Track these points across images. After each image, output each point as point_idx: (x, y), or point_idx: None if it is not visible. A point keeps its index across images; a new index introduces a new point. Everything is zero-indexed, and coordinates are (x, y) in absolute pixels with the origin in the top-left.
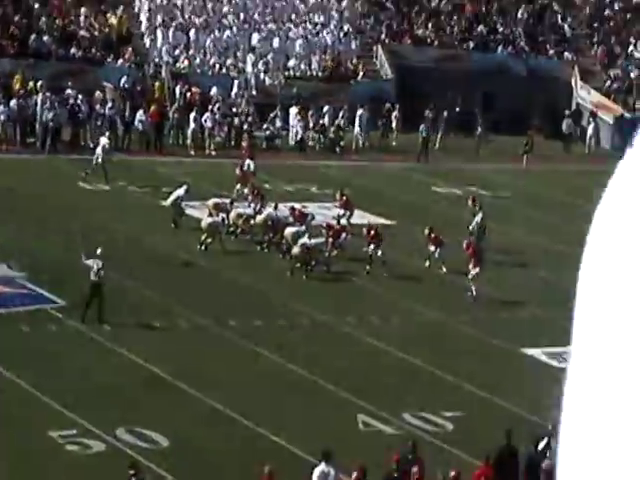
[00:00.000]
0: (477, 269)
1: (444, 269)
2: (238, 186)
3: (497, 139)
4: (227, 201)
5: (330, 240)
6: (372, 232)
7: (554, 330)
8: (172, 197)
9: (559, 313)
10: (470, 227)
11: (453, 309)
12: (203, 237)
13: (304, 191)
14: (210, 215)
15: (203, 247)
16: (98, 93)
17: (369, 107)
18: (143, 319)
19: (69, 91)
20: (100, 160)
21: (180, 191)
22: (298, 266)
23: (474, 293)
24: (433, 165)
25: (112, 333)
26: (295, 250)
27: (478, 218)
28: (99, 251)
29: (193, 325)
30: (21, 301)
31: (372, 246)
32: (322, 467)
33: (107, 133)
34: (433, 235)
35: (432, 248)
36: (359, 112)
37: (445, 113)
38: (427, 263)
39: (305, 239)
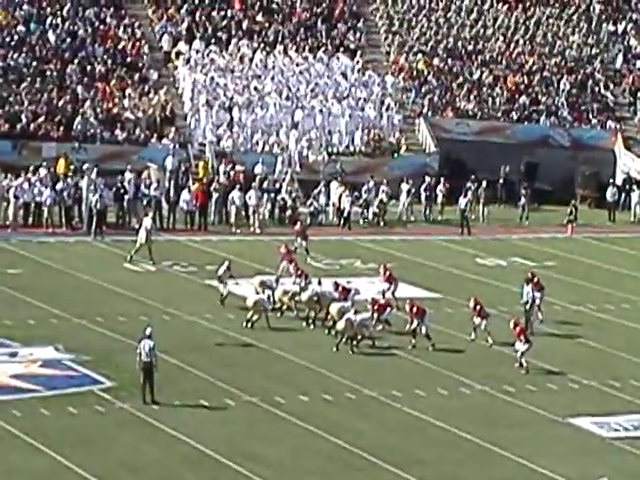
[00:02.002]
0: (527, 345)
1: (490, 340)
2: (283, 264)
3: (541, 209)
4: (272, 278)
5: (375, 315)
6: (414, 308)
7: (602, 399)
8: (219, 273)
9: (606, 382)
10: (522, 302)
11: (499, 380)
12: (249, 315)
13: (348, 266)
14: (256, 293)
15: (249, 325)
16: (145, 174)
17: (413, 181)
18: (190, 398)
19: (122, 175)
20: (144, 241)
21: (222, 268)
22: (344, 341)
23: (525, 365)
24: (477, 237)
25: (160, 413)
26: (340, 325)
27: (532, 293)
28: (149, 331)
29: (241, 403)
30: (68, 383)
31: (415, 321)
32: None
33: (150, 214)
34: (478, 307)
35: (477, 320)
36: (403, 186)
37: (486, 185)
38: (473, 335)
39: (350, 314)
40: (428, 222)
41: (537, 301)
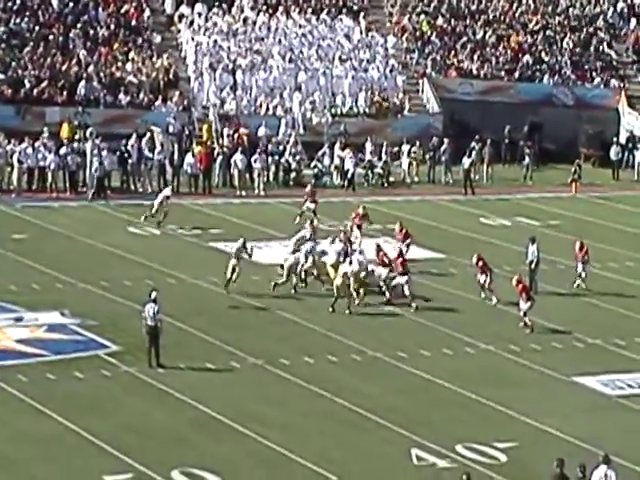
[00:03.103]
0: (529, 303)
1: (494, 299)
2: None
3: (545, 169)
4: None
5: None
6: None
7: (607, 357)
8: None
9: (611, 340)
10: (527, 261)
11: (504, 339)
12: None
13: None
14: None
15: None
16: (147, 137)
17: (419, 141)
18: (196, 361)
19: (127, 139)
20: (157, 205)
21: (237, 245)
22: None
23: (529, 323)
24: (481, 197)
25: (166, 376)
26: (338, 281)
27: (537, 252)
28: (154, 295)
29: (246, 366)
30: (74, 347)
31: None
32: None
33: (170, 186)
34: (481, 263)
35: (482, 278)
36: (404, 147)
37: (490, 144)
38: (482, 294)
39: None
40: (431, 183)
41: (486, 284)
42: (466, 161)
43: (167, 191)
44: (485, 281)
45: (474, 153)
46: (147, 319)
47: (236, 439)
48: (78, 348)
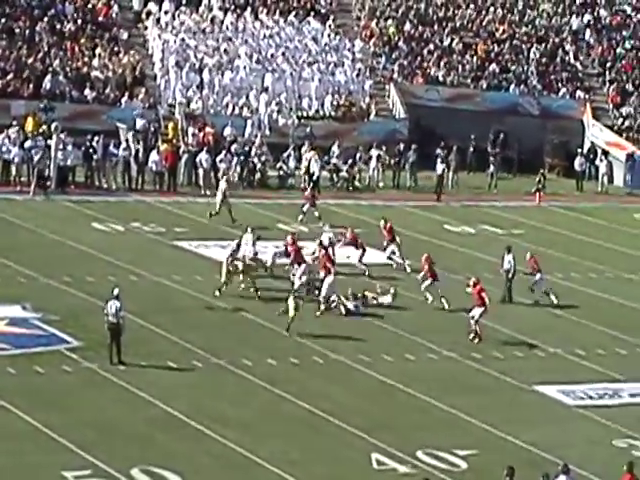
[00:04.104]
0: (481, 310)
1: (430, 298)
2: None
3: (509, 177)
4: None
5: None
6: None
7: (568, 367)
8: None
9: (572, 350)
10: (503, 270)
11: (466, 347)
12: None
13: (317, 230)
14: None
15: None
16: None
17: (384, 146)
18: (158, 359)
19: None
20: (219, 202)
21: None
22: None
23: (478, 332)
24: (446, 204)
25: (128, 373)
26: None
27: (513, 261)
28: (116, 291)
29: (208, 365)
30: (35, 342)
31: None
32: None
33: (225, 177)
34: (427, 267)
35: (427, 282)
36: (373, 152)
37: (456, 151)
38: (429, 298)
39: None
40: (396, 188)
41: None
42: (440, 167)
43: (222, 184)
44: (431, 285)
45: (446, 159)
46: (109, 316)
47: (196, 438)
48: (39, 343)
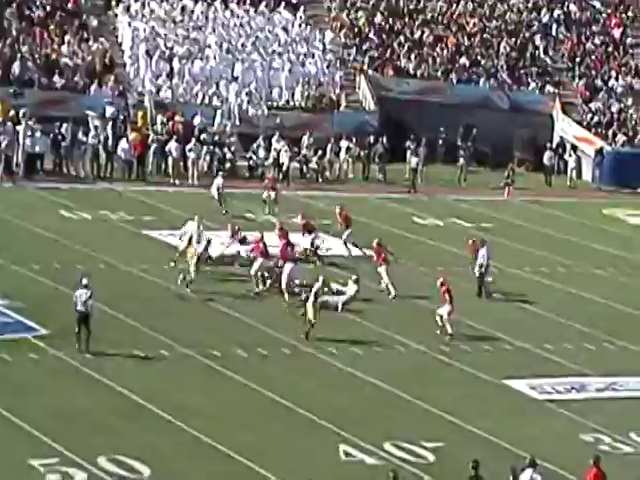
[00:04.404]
0: (449, 307)
1: (392, 292)
2: None
3: (479, 171)
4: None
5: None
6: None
7: (535, 361)
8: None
9: (540, 345)
10: (477, 264)
11: (436, 340)
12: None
13: (286, 221)
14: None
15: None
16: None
17: (354, 138)
18: (126, 348)
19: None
20: (216, 197)
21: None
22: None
23: (448, 330)
24: (415, 196)
25: (95, 362)
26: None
27: (487, 255)
28: (85, 280)
29: (177, 355)
30: (2, 329)
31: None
32: None
33: (220, 173)
34: (379, 251)
35: (381, 268)
36: (342, 143)
37: (425, 144)
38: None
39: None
40: (366, 180)
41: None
42: (414, 160)
43: (218, 180)
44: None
45: (420, 152)
46: (77, 304)
47: (163, 428)
48: (6, 330)
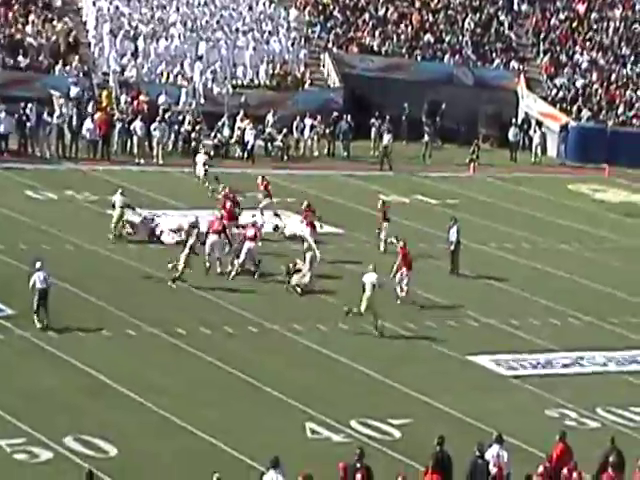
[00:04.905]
0: (405, 270)
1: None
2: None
3: (444, 147)
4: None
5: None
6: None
7: (501, 337)
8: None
9: (506, 320)
10: (448, 241)
11: (399, 316)
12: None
13: (252, 199)
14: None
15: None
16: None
17: (319, 116)
18: (91, 327)
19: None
20: (202, 175)
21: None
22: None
23: (400, 294)
24: (380, 173)
25: (61, 341)
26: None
27: (457, 234)
28: (38, 264)
29: (142, 333)
30: None
31: None
32: (271, 474)
33: (203, 150)
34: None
35: (307, 230)
36: (307, 121)
37: (389, 121)
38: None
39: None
40: (332, 157)
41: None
42: (385, 137)
43: (200, 157)
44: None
45: (381, 130)
46: (36, 284)
47: (130, 407)
48: None
